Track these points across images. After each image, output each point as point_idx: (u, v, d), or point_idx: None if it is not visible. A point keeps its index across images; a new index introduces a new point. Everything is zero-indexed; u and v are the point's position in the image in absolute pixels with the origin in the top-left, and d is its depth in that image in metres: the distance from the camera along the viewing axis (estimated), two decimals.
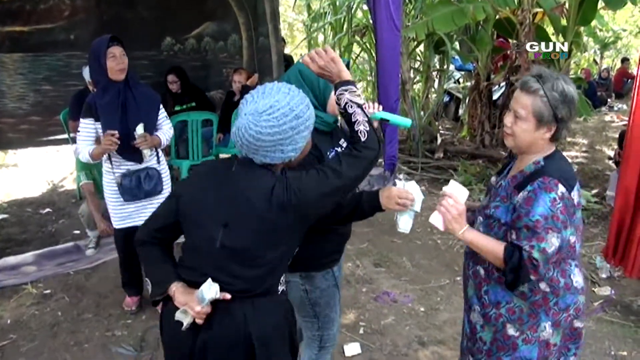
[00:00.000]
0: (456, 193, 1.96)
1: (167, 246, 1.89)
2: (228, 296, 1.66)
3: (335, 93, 1.81)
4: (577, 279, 1.95)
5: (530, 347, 1.95)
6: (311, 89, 2.10)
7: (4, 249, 4.74)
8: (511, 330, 1.96)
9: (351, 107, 1.78)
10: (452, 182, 2.02)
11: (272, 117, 1.58)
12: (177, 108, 6.20)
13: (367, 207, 2.10)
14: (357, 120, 1.77)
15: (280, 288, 1.83)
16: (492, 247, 1.88)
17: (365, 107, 1.81)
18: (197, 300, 1.64)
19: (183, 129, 5.78)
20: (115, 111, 3.28)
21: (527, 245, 1.78)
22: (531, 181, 1.84)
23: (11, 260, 4.44)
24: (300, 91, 1.69)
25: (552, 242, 1.78)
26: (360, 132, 1.76)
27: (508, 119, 1.94)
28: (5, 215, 5.75)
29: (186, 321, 1.67)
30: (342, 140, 2.29)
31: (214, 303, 1.67)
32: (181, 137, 5.86)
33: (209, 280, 1.64)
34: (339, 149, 2.21)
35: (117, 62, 3.26)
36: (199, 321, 1.67)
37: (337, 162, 1.73)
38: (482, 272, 2.03)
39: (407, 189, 2.06)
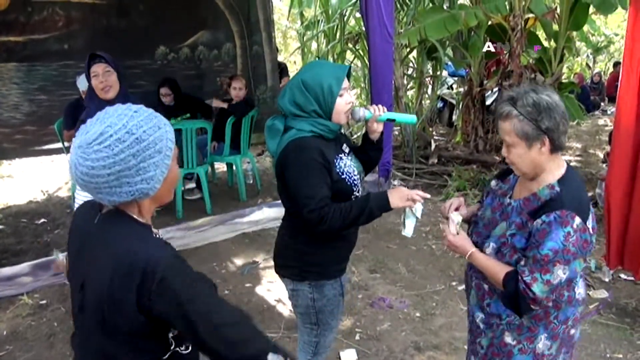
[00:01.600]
0: (449, 226, 2.04)
1: None
2: None
3: None
4: (580, 290, 1.95)
5: (525, 357, 1.95)
6: (315, 98, 2.10)
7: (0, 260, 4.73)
8: (508, 339, 1.97)
9: None
10: (450, 217, 2.08)
11: (104, 146, 1.27)
12: (172, 122, 6.20)
13: (375, 208, 2.07)
14: None
15: (167, 353, 1.43)
16: (494, 271, 1.89)
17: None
18: None
19: (177, 138, 5.76)
20: None
21: (528, 277, 1.77)
22: (547, 211, 1.79)
23: (7, 271, 4.42)
24: (151, 111, 1.37)
25: (558, 274, 1.76)
26: None
27: (504, 151, 1.93)
28: (0, 226, 5.74)
29: None
30: (345, 145, 2.31)
31: None
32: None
33: None
34: (343, 156, 2.22)
35: (99, 80, 3.15)
36: None
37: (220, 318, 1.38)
38: (485, 286, 2.02)
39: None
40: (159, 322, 1.34)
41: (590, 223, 1.82)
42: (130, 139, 1.28)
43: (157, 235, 1.45)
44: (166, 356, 1.43)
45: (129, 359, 1.39)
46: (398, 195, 2.08)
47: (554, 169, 1.87)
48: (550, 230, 1.75)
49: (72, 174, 1.32)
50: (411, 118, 2.48)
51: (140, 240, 1.36)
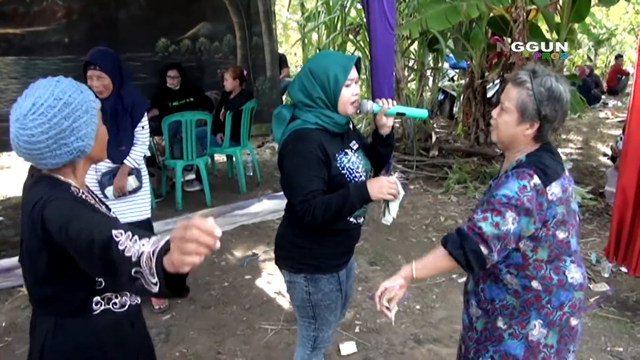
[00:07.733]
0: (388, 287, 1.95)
1: None
2: None
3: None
4: (573, 275, 1.91)
5: (517, 342, 1.93)
6: (322, 88, 2.09)
7: None
8: (500, 323, 1.96)
9: None
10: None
11: (38, 114, 1.42)
12: (175, 104, 6.23)
13: (355, 201, 2.03)
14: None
15: (99, 308, 1.59)
16: (434, 254, 1.90)
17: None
18: None
19: (177, 129, 5.78)
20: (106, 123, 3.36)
21: (479, 215, 1.78)
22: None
23: (5, 262, 4.41)
24: (71, 79, 1.52)
25: (508, 220, 1.75)
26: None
27: (495, 111, 1.94)
28: None
29: None
30: (354, 142, 2.27)
31: None
32: (175, 137, 5.86)
33: None
34: (349, 151, 2.20)
35: (93, 85, 3.37)
36: None
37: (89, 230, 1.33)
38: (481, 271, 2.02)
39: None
40: (58, 252, 1.45)
41: (556, 191, 1.79)
42: (59, 104, 1.44)
43: (78, 192, 1.56)
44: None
45: (66, 301, 1.57)
46: (377, 186, 2.04)
47: (527, 150, 1.89)
48: (507, 181, 1.79)
49: (14, 146, 1.47)
50: (422, 113, 2.41)
51: (47, 188, 1.50)
